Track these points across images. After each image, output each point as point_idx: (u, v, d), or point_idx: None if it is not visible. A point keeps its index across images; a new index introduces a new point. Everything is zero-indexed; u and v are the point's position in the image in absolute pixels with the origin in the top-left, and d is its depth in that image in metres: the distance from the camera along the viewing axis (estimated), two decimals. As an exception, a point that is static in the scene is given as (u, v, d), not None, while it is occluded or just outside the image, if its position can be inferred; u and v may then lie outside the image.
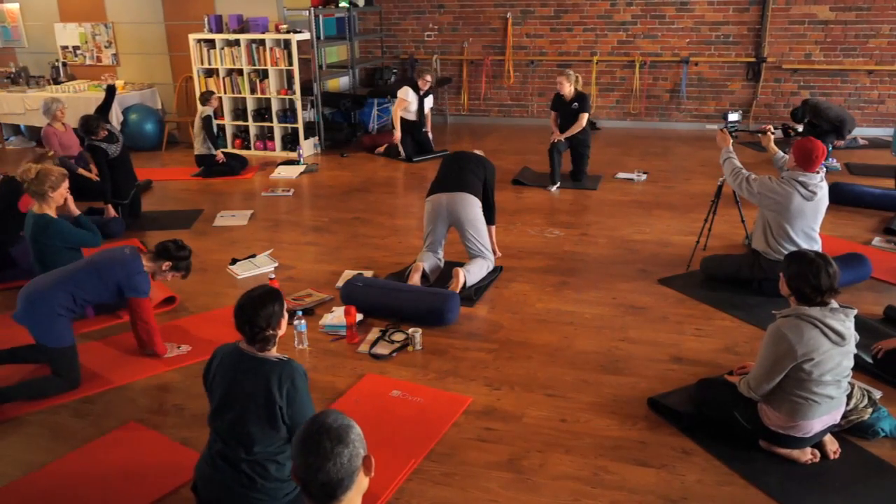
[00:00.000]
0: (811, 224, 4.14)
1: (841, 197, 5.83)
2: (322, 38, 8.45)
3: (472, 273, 4.47)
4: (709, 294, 4.37)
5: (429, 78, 7.73)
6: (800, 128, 7.56)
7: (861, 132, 8.07)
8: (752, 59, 8.75)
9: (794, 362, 2.70)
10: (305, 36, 7.88)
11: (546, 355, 3.74)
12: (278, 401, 2.35)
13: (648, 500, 2.67)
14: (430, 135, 8.05)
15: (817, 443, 2.87)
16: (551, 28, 9.33)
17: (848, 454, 2.89)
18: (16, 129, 9.15)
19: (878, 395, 3.09)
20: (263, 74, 8.03)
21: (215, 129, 7.37)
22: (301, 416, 2.37)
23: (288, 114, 8.21)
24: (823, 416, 2.77)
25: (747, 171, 4.25)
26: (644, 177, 6.99)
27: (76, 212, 4.28)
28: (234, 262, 5.00)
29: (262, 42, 7.85)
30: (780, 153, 4.68)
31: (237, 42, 7.95)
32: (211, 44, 8.04)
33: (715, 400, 3.04)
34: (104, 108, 6.16)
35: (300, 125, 8.07)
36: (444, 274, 4.57)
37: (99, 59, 9.13)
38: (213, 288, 4.66)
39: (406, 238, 5.48)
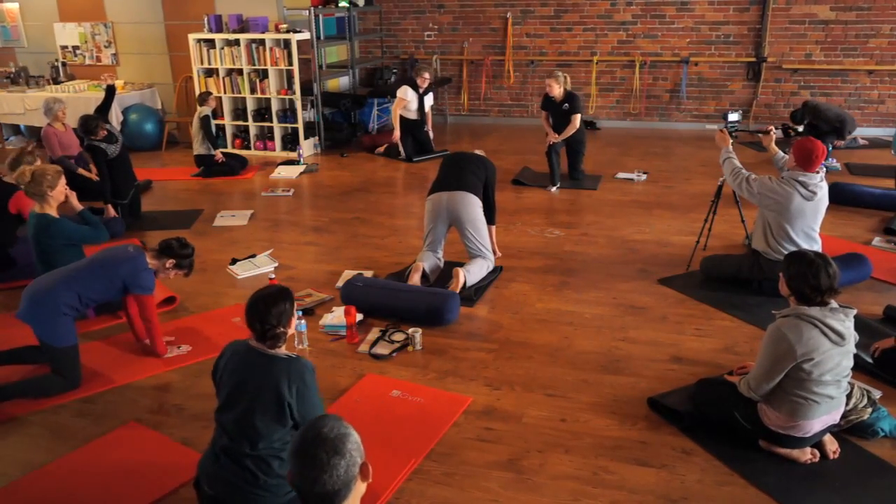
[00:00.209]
0: (811, 224, 4.14)
1: (841, 197, 5.83)
2: (322, 37, 8.45)
3: (472, 273, 4.47)
4: (709, 294, 4.37)
5: (427, 75, 7.72)
6: (800, 128, 7.56)
7: (861, 132, 8.07)
8: (753, 59, 8.75)
9: (793, 362, 2.70)
10: (305, 36, 7.88)
11: (546, 355, 3.74)
12: (287, 397, 2.38)
13: (648, 500, 2.67)
14: (431, 134, 8.05)
15: (817, 443, 2.87)
16: (551, 28, 9.33)
17: (847, 454, 2.89)
18: (16, 129, 9.15)
19: (877, 394, 3.09)
20: (263, 74, 8.03)
21: (214, 129, 7.38)
22: (310, 412, 2.40)
23: (288, 114, 8.21)
24: (823, 416, 2.77)
25: (747, 171, 4.25)
26: (644, 177, 6.99)
27: (79, 207, 4.29)
28: (234, 262, 5.01)
29: (262, 42, 7.86)
30: (781, 153, 4.68)
31: (237, 42, 7.95)
32: (211, 44, 8.04)
33: (715, 400, 3.04)
34: (104, 108, 6.16)
35: (300, 125, 8.07)
36: (444, 274, 4.57)
37: (98, 59, 9.13)
38: (213, 288, 4.66)
39: (406, 238, 5.48)
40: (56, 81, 8.87)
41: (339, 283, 4.58)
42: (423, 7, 9.67)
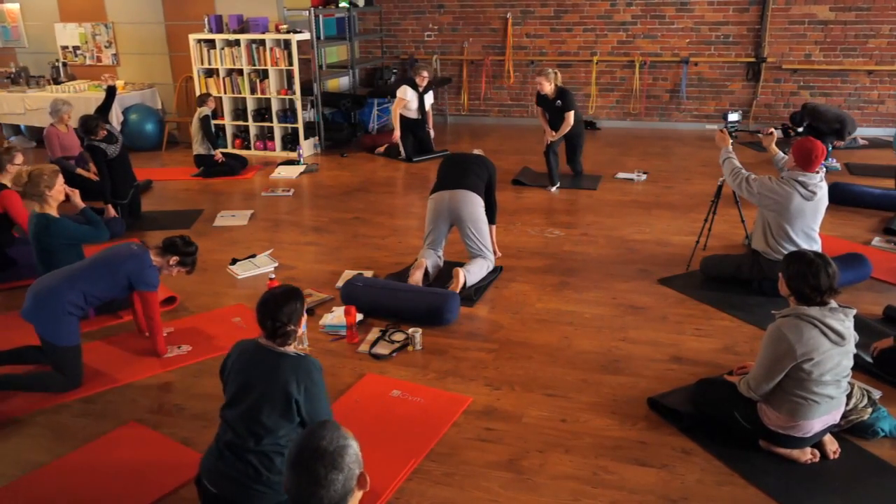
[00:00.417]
0: (811, 224, 4.14)
1: (841, 197, 5.83)
2: (322, 38, 8.45)
3: (472, 273, 4.47)
4: (709, 294, 4.37)
5: (425, 73, 7.71)
6: (800, 129, 7.55)
7: (861, 132, 8.07)
8: (752, 60, 8.75)
9: (793, 362, 2.70)
10: (305, 36, 7.88)
11: (546, 355, 3.74)
12: (295, 394, 2.41)
13: (648, 500, 2.67)
14: (432, 133, 8.05)
15: (817, 443, 2.87)
16: (551, 28, 9.33)
17: (847, 454, 2.89)
18: (16, 129, 9.15)
19: (877, 394, 3.09)
20: (263, 74, 8.03)
21: (213, 130, 7.38)
22: (318, 410, 2.45)
23: (288, 114, 8.21)
24: (823, 416, 2.77)
25: (747, 171, 4.25)
26: (644, 177, 6.99)
27: (81, 205, 4.29)
28: (234, 262, 5.01)
29: (262, 42, 7.86)
30: (781, 153, 4.68)
31: (237, 42, 7.96)
32: (211, 44, 8.04)
33: (715, 400, 3.04)
34: (104, 108, 6.16)
35: (300, 125, 8.07)
36: (444, 274, 4.57)
37: (99, 59, 9.13)
38: (213, 288, 4.66)
39: (406, 238, 5.48)
40: (56, 82, 8.87)
41: (339, 283, 4.58)
42: (423, 7, 9.67)
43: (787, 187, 4.05)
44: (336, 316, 4.08)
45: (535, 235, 5.49)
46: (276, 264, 4.97)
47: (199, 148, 7.31)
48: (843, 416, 2.90)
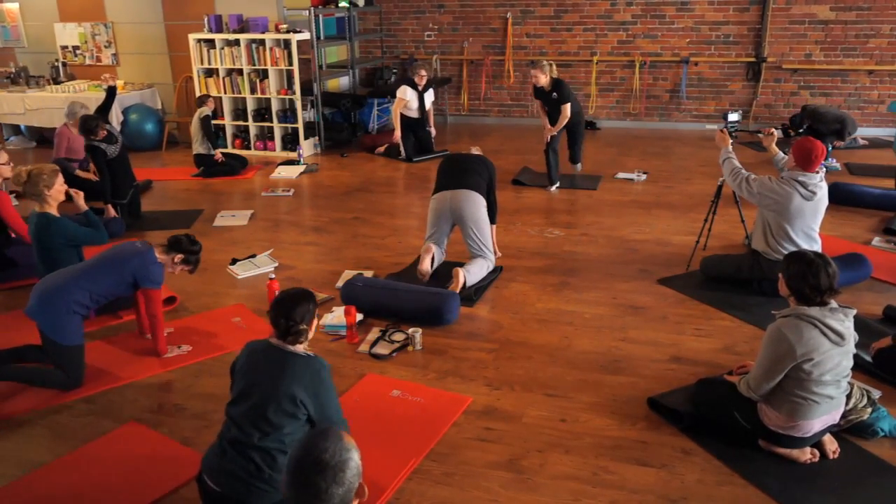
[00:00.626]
0: (811, 224, 4.14)
1: (841, 197, 5.83)
2: (322, 38, 8.45)
3: (472, 273, 4.47)
4: (709, 294, 4.37)
5: (423, 72, 7.71)
6: (800, 131, 7.55)
7: (861, 132, 8.07)
8: (753, 59, 8.75)
9: (793, 362, 2.70)
10: (305, 36, 7.88)
11: (546, 355, 3.74)
12: (301, 394, 2.43)
13: (648, 500, 2.67)
14: (433, 132, 8.04)
15: (816, 443, 2.87)
16: (551, 28, 9.33)
17: (847, 454, 2.89)
18: (16, 129, 9.15)
19: (877, 394, 3.09)
20: (263, 74, 8.03)
21: (213, 129, 7.38)
22: (326, 409, 2.49)
23: (288, 114, 8.21)
24: (823, 416, 2.77)
25: (747, 172, 4.25)
26: (644, 177, 6.99)
27: (84, 207, 4.29)
28: (234, 262, 5.01)
29: (262, 42, 7.86)
30: (781, 154, 4.68)
31: (237, 42, 7.95)
32: (211, 44, 8.04)
33: (714, 400, 3.05)
34: (104, 108, 6.16)
35: (300, 125, 8.07)
36: (445, 274, 4.57)
37: (99, 59, 9.13)
38: (213, 288, 4.66)
39: (406, 238, 5.48)
40: (56, 81, 8.87)
41: (339, 283, 4.58)
42: (423, 7, 9.67)
43: (787, 187, 4.05)
44: (336, 316, 4.08)
45: (535, 235, 5.49)
46: (276, 264, 4.97)
47: (199, 148, 7.31)
48: (843, 416, 2.90)
